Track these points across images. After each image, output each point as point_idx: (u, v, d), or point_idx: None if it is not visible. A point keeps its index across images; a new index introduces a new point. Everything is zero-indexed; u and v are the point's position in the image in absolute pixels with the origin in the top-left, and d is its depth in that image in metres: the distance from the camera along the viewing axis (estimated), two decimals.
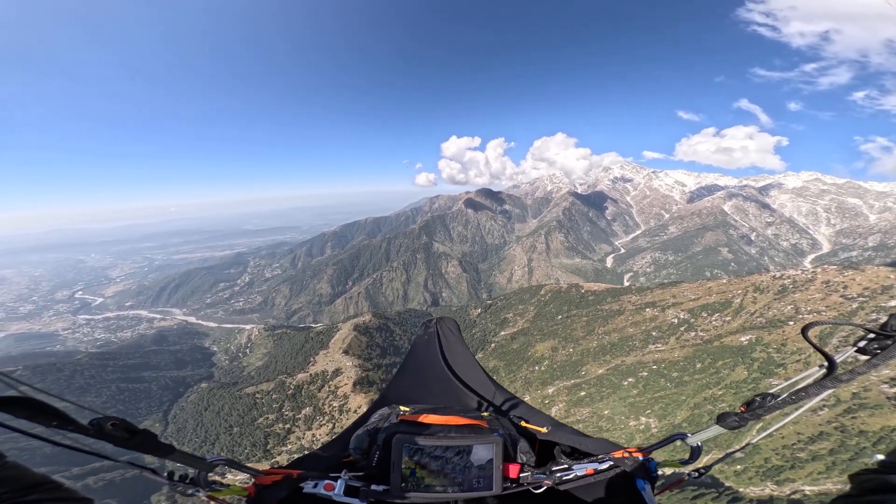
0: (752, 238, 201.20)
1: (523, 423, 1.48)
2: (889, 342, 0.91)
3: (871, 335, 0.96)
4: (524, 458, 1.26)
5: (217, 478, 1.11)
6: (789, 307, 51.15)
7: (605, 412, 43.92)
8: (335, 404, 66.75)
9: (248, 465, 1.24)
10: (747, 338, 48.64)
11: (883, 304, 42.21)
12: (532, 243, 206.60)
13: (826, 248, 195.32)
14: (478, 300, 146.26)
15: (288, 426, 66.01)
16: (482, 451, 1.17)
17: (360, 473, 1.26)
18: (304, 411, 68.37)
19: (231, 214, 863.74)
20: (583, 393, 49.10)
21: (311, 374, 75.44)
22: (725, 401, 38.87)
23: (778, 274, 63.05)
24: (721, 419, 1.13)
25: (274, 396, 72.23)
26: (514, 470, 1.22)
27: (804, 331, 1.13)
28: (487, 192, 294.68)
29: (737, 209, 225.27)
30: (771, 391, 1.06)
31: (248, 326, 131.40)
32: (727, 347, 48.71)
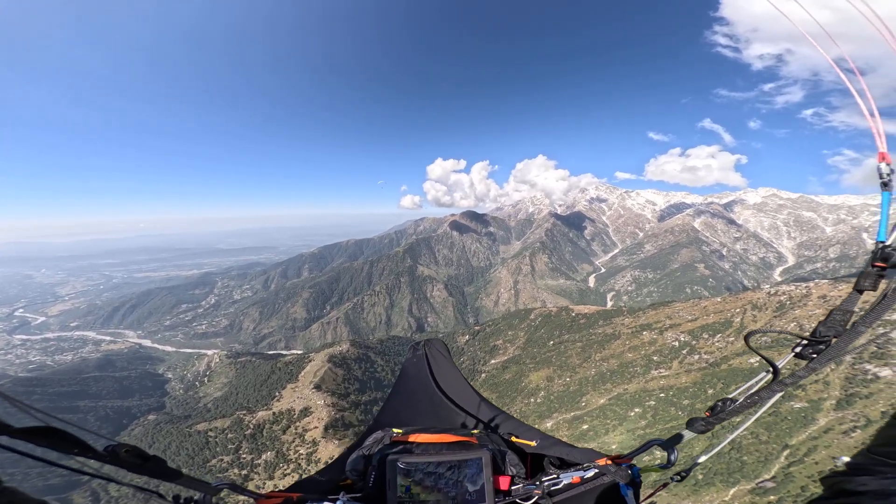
0: (724, 253, 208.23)
1: (513, 438, 1.58)
2: (822, 347, 1.05)
3: (805, 342, 1.09)
4: (514, 471, 1.34)
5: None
6: (792, 324, 49.05)
7: (614, 446, 38.94)
8: (302, 451, 57.52)
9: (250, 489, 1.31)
10: (757, 359, 45.71)
11: (888, 317, 40.25)
12: (517, 265, 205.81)
13: (791, 260, 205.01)
14: (465, 325, 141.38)
15: (245, 472, 56.46)
16: (473, 466, 1.23)
17: (358, 495, 1.32)
18: (264, 456, 58.86)
19: (203, 233, 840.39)
20: (585, 426, 44.01)
21: (274, 413, 65.97)
22: (747, 428, 34.90)
23: (773, 290, 62.03)
24: (690, 424, 1.24)
25: (230, 436, 62.45)
26: (504, 482, 1.30)
27: (746, 339, 1.26)
28: (472, 215, 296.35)
29: (706, 226, 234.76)
30: (730, 396, 1.16)
31: (209, 352, 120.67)
32: (737, 370, 45.46)
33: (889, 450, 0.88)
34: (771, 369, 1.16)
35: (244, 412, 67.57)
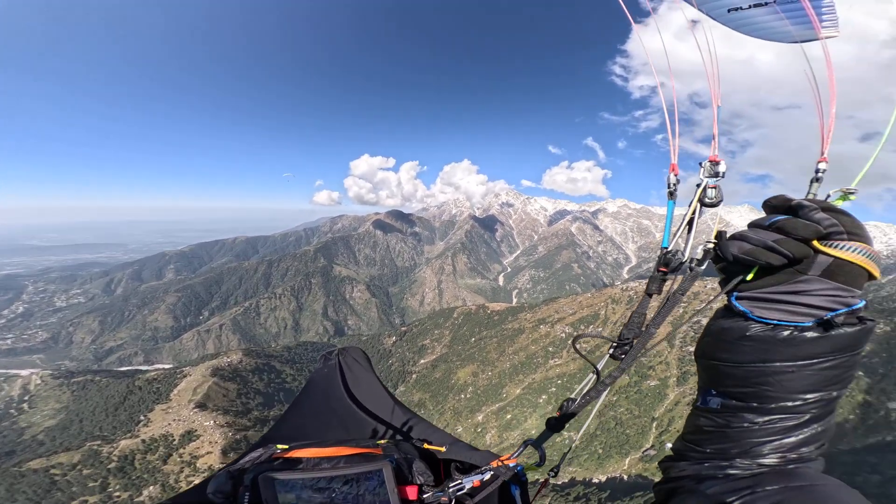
0: (591, 255, 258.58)
1: (426, 445, 1.53)
2: (627, 348, 1.17)
3: (615, 344, 1.21)
4: (422, 479, 1.28)
5: None
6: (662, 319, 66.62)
7: (533, 432, 46.32)
8: (196, 480, 48.25)
9: None
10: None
11: (697, 307, 56.37)
12: (440, 265, 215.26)
13: (634, 261, 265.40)
14: (391, 327, 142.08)
15: None
16: (373, 479, 1.16)
17: None
18: (146, 491, 49.40)
19: (6, 226, 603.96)
20: (509, 416, 51.17)
21: (144, 440, 55.30)
22: (622, 405, 46.63)
23: (624, 287, 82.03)
24: (548, 423, 1.32)
25: (86, 472, 50.11)
26: (412, 492, 1.24)
27: (573, 343, 1.37)
28: (398, 214, 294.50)
29: (579, 231, 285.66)
30: (571, 396, 1.27)
31: (23, 372, 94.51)
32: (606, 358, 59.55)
33: (694, 437, 0.96)
34: (594, 371, 1.28)
35: (98, 442, 55.05)
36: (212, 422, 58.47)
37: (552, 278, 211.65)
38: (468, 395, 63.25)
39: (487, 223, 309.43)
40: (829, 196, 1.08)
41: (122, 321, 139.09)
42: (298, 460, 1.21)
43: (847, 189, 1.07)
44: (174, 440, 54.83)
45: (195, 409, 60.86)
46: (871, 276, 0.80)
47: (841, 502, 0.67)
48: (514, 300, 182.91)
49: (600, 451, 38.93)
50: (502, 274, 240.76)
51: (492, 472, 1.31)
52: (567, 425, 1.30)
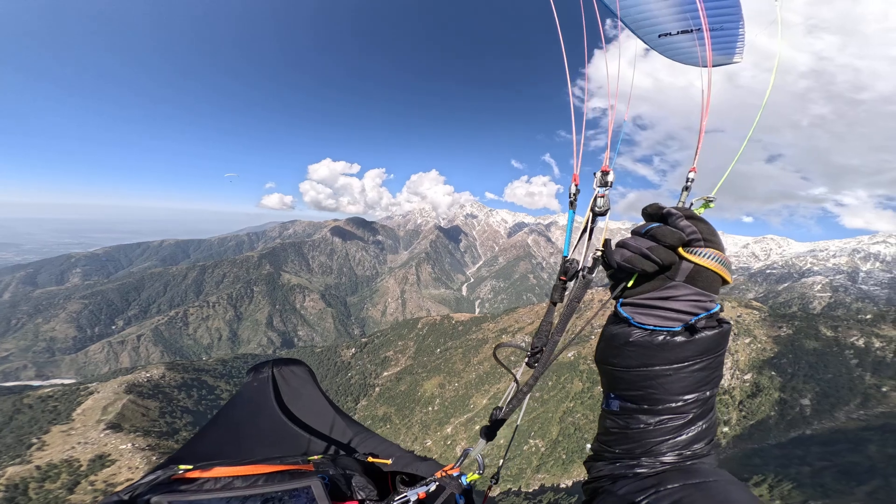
0: (544, 266, 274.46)
1: (370, 459, 1.48)
2: (539, 355, 1.25)
3: (529, 352, 1.29)
4: (363, 495, 1.23)
5: None
6: (588, 325, 72.01)
7: (501, 441, 46.66)
8: None
9: None
10: (571, 353, 62.66)
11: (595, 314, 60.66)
12: (404, 275, 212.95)
13: None
14: (350, 338, 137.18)
15: None
16: (301, 496, 1.08)
17: None
18: None
19: None
20: (477, 427, 51.08)
21: (39, 467, 47.86)
22: (578, 411, 49.09)
23: None
24: (482, 432, 1.36)
25: None
26: None
27: (494, 353, 1.43)
28: (360, 222, 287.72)
29: (535, 243, 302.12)
30: (498, 405, 1.32)
31: None
32: (562, 364, 61.69)
33: (605, 438, 1.02)
34: (514, 380, 1.34)
35: None
36: (129, 445, 51.79)
37: (511, 288, 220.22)
38: (435, 408, 62.29)
39: (452, 234, 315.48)
40: (691, 204, 1.16)
41: (9, 330, 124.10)
42: (205, 480, 1.09)
43: (707, 197, 1.17)
44: (81, 466, 47.75)
45: (107, 431, 53.74)
46: (724, 281, 0.86)
47: (731, 495, 0.73)
48: (477, 310, 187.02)
49: (564, 456, 40.62)
50: (465, 284, 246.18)
51: (437, 484, 1.28)
52: (499, 432, 1.35)
